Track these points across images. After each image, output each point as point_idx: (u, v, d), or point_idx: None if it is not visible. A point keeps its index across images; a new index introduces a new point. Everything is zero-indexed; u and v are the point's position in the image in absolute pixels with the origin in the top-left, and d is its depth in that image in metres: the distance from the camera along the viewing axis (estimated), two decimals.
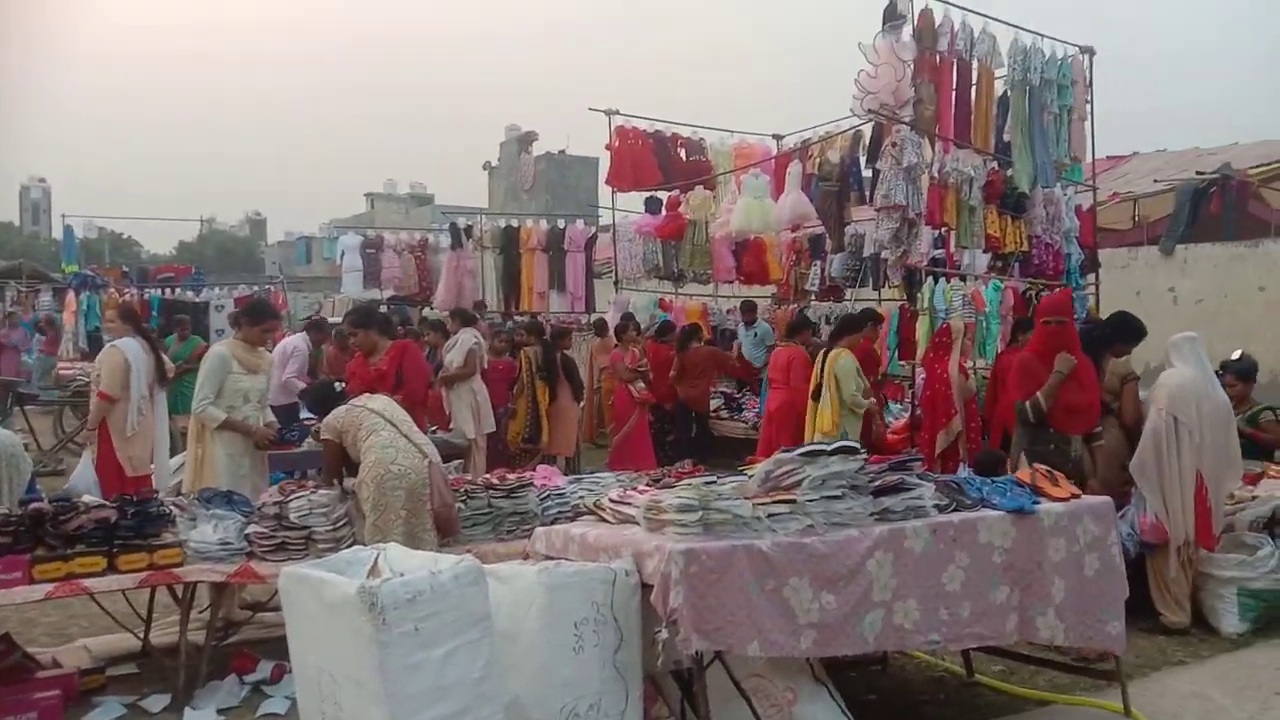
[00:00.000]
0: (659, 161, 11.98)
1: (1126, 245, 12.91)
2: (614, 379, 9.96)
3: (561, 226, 12.99)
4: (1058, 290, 5.66)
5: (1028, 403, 5.41)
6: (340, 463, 4.70)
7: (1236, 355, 7.49)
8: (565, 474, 5.96)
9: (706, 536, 3.33)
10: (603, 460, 9.52)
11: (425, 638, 2.80)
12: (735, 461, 6.43)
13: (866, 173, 9.33)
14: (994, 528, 3.85)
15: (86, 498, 4.74)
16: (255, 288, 20.67)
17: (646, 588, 3.33)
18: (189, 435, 5.75)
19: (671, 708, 3.66)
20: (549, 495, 5.06)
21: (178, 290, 18.71)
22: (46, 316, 17.29)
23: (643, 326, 10.61)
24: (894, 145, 7.16)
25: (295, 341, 9.21)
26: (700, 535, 3.33)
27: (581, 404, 10.06)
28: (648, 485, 4.44)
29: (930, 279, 7.45)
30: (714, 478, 3.93)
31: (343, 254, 13.84)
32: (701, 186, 11.81)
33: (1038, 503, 4.04)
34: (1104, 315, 7.89)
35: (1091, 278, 9.12)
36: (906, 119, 7.19)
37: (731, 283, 12.53)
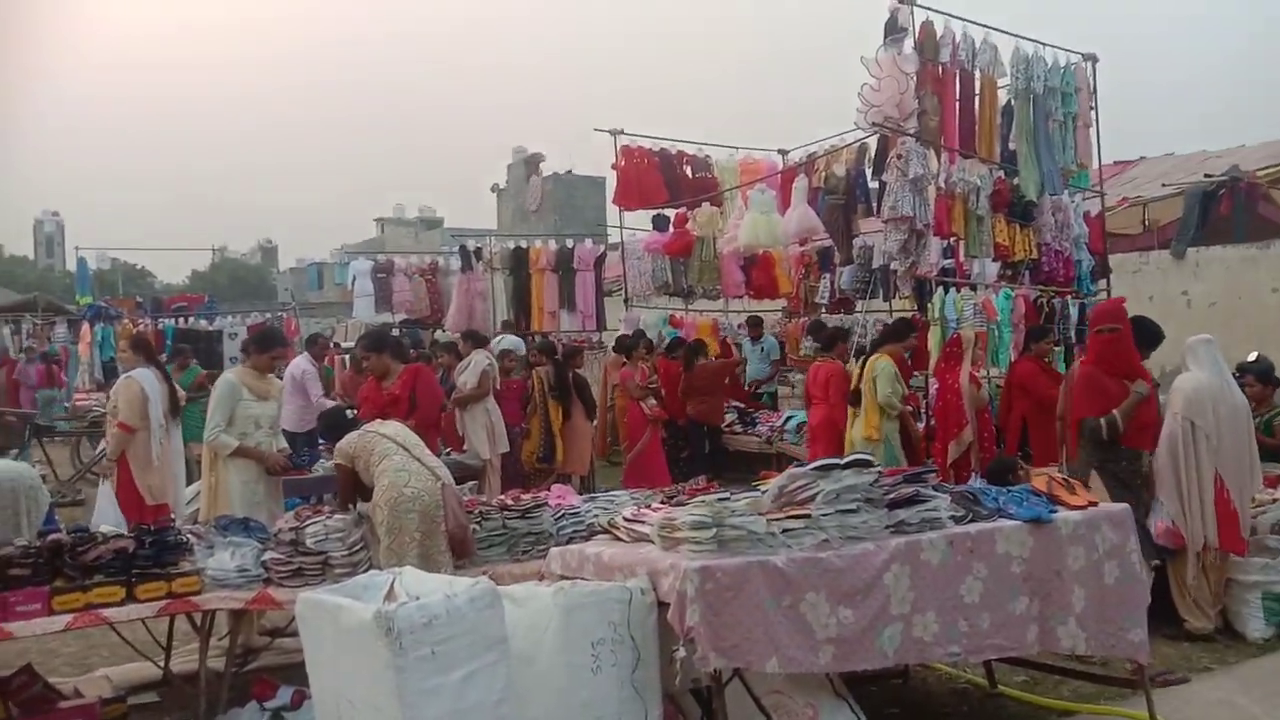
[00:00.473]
0: (665, 179, 12.04)
1: (1137, 250, 12.84)
2: (626, 396, 9.96)
3: (570, 246, 13.02)
4: (1110, 298, 5.52)
5: (1102, 420, 5.24)
6: (353, 488, 4.71)
7: (1253, 357, 7.45)
8: (580, 493, 5.96)
9: (721, 553, 3.32)
10: (618, 478, 9.51)
11: (442, 662, 2.80)
12: (750, 476, 6.40)
13: (873, 185, 9.35)
14: (1011, 538, 3.82)
15: (104, 528, 4.76)
16: (268, 315, 20.82)
17: (663, 606, 3.32)
18: (203, 463, 5.78)
19: None
20: (564, 515, 5.05)
21: (191, 319, 18.87)
22: (41, 350, 17.40)
23: (655, 344, 10.62)
24: (899, 157, 7.18)
25: (302, 364, 9.18)
26: (715, 552, 3.32)
27: (595, 422, 10.06)
28: (662, 503, 4.43)
29: (940, 289, 7.45)
30: (728, 494, 3.92)
31: (354, 279, 13.92)
32: (708, 203, 11.85)
33: (1055, 511, 4.02)
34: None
35: (1103, 283, 9.10)
36: (911, 131, 7.21)
37: (741, 297, 12.54)
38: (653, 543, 3.56)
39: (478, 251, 13.19)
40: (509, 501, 5.06)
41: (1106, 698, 4.39)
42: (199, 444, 6.01)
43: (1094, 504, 4.21)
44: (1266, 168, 13.03)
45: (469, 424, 8.48)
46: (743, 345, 12.06)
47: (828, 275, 11.32)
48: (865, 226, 9.96)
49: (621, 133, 11.90)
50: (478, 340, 9.26)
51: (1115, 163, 15.31)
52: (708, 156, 12.33)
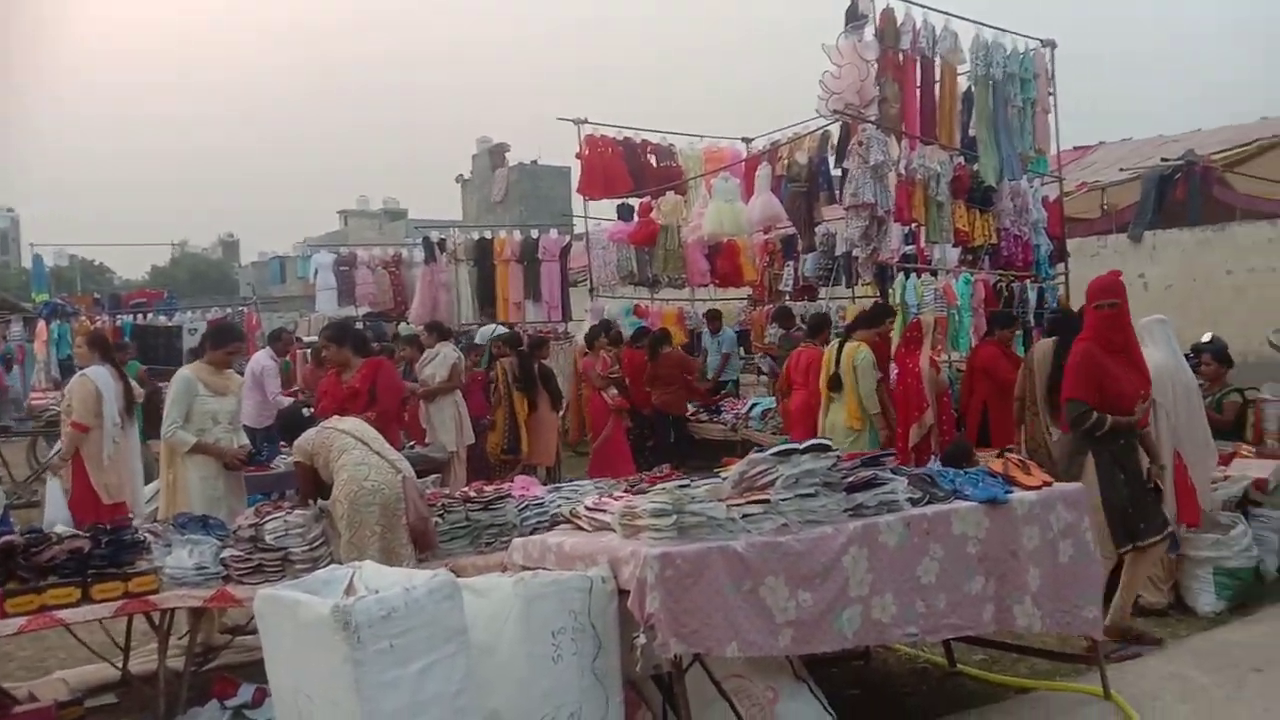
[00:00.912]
0: (629, 168, 12.02)
1: (1095, 234, 13.05)
2: (591, 386, 9.95)
3: (535, 237, 12.97)
4: (1105, 273, 5.38)
5: (1095, 416, 4.90)
6: (313, 485, 4.67)
7: (1207, 338, 7.59)
8: (546, 484, 5.94)
9: (681, 540, 3.33)
10: (584, 469, 9.51)
11: (400, 654, 2.78)
12: (715, 464, 6.42)
13: (835, 172, 9.39)
14: (967, 519, 3.88)
15: (59, 528, 4.68)
16: (228, 310, 20.54)
17: (623, 594, 3.33)
18: (161, 461, 5.70)
19: (654, 712, 3.65)
20: (528, 506, 5.03)
21: (150, 315, 18.56)
22: None
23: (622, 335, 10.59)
24: (860, 144, 7.23)
25: (262, 360, 9.06)
26: (675, 539, 3.33)
27: (563, 413, 10.04)
28: (624, 491, 4.44)
29: (902, 275, 7.51)
30: (688, 481, 3.94)
31: (316, 272, 13.76)
32: (672, 192, 11.86)
33: (1010, 492, 4.07)
34: (1074, 304, 7.97)
35: (1061, 267, 9.22)
36: (872, 118, 7.26)
37: (706, 286, 12.56)
38: (614, 531, 3.57)
39: (441, 243, 13.09)
40: (472, 493, 5.05)
41: (1063, 674, 4.47)
42: (159, 442, 5.93)
43: (1048, 484, 4.28)
44: (1221, 151, 13.28)
45: (435, 416, 8.46)
46: (703, 336, 12.09)
47: (791, 263, 11.37)
48: (828, 214, 10.01)
49: (585, 122, 11.86)
50: (442, 333, 9.21)
51: (1074, 148, 15.54)
52: (671, 145, 12.32)
